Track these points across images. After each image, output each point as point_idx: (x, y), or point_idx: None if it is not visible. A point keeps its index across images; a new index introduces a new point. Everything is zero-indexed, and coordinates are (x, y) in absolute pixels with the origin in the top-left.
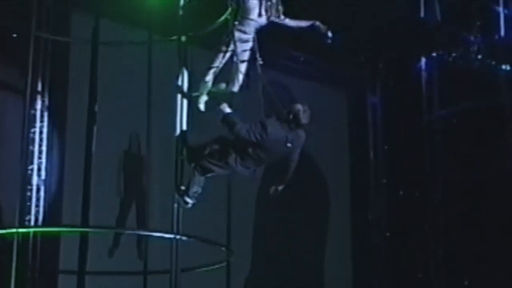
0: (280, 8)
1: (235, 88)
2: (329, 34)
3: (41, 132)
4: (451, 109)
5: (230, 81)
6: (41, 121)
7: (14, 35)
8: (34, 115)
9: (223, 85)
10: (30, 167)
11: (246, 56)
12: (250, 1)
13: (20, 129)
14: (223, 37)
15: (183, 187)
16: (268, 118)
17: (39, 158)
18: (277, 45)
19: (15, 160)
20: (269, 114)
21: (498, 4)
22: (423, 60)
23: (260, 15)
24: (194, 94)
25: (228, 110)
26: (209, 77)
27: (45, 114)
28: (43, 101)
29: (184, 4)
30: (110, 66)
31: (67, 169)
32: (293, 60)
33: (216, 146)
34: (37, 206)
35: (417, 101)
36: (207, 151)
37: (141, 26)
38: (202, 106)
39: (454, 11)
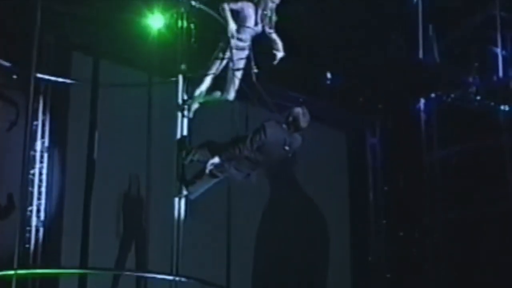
0: (274, 18)
1: (230, 96)
2: (329, 75)
3: (40, 173)
4: (450, 150)
5: (225, 89)
6: (41, 162)
7: (14, 76)
8: (34, 156)
9: (218, 93)
10: (29, 208)
11: (241, 64)
12: (247, 10)
13: (20, 170)
14: (220, 44)
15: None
16: (267, 121)
17: (38, 199)
18: (276, 86)
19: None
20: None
21: (496, 46)
22: (422, 101)
23: (256, 23)
24: (188, 100)
25: (216, 160)
26: (205, 84)
27: (45, 155)
28: (42, 142)
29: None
30: (110, 107)
31: (67, 210)
32: (292, 101)
33: (212, 147)
34: (36, 247)
35: (416, 142)
36: (204, 151)
37: (140, 67)
38: (191, 114)
39: (453, 53)
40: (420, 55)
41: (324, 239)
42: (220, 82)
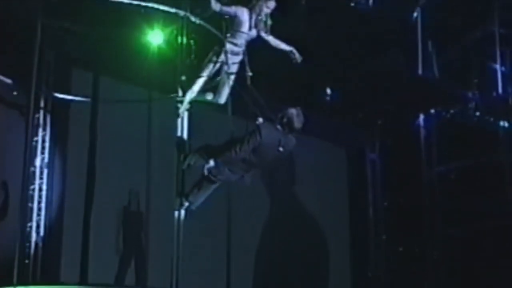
0: (269, 23)
1: (222, 100)
2: (328, 92)
3: (40, 189)
4: (450, 165)
5: (217, 92)
6: (41, 178)
7: (15, 93)
8: (34, 172)
9: (210, 95)
10: (29, 224)
11: (235, 68)
12: (242, 15)
13: (20, 185)
14: (215, 47)
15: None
16: (262, 122)
17: (38, 215)
18: (275, 101)
19: (14, 216)
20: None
21: (495, 62)
22: (422, 116)
23: (251, 28)
24: (179, 99)
25: (212, 164)
26: (197, 86)
27: (45, 171)
28: (42, 158)
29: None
30: (109, 123)
31: (66, 226)
32: None
33: (209, 150)
34: (35, 262)
35: (416, 157)
36: (201, 155)
37: (140, 84)
38: (181, 113)
39: (452, 69)
40: (420, 71)
41: (324, 253)
42: (213, 85)
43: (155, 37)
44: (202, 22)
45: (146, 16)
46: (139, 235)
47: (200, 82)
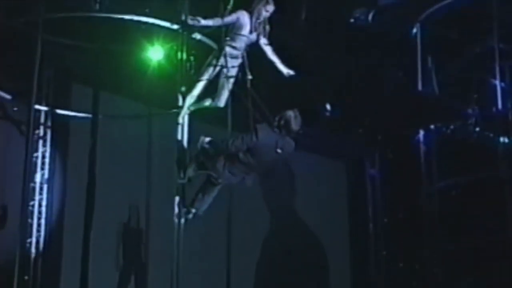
0: (267, 28)
1: (221, 103)
2: (328, 107)
3: (40, 205)
4: (450, 181)
5: (216, 95)
6: (40, 194)
7: (15, 109)
8: (33, 188)
9: (208, 101)
10: (28, 240)
11: (234, 72)
12: (242, 19)
13: (19, 201)
14: (214, 51)
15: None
16: (259, 124)
17: (38, 231)
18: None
19: (14, 232)
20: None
21: (495, 77)
22: (421, 132)
23: (251, 31)
24: (179, 105)
25: (206, 139)
26: (197, 90)
27: (44, 187)
28: (42, 174)
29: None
30: (109, 139)
31: (66, 242)
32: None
33: (207, 151)
34: (35, 279)
35: (416, 173)
36: (197, 155)
37: (140, 99)
38: (180, 120)
39: (452, 84)
40: (419, 86)
41: (324, 270)
42: (211, 89)
43: (155, 53)
44: (202, 38)
45: (146, 32)
46: (139, 251)
47: (200, 86)
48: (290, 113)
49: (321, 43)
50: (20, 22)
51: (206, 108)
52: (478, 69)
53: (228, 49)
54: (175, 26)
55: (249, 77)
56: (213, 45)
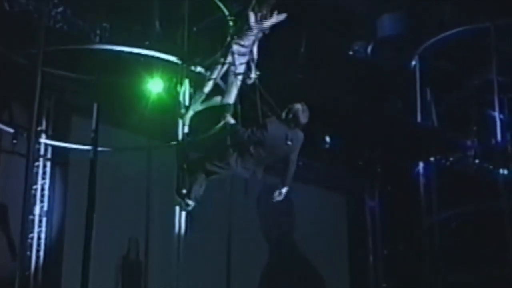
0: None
1: (231, 100)
2: (327, 139)
3: (39, 237)
4: (450, 213)
5: (225, 93)
6: (39, 227)
7: (14, 141)
8: (33, 220)
9: (218, 99)
10: (27, 272)
11: (242, 69)
12: (251, 18)
13: (18, 233)
14: (222, 49)
15: (184, 191)
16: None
17: (36, 263)
18: None
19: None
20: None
21: (494, 110)
22: (421, 164)
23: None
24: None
25: (232, 121)
26: (207, 88)
27: (43, 220)
28: (41, 207)
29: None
30: (109, 171)
31: (65, 275)
32: None
33: (217, 148)
34: None
35: (415, 205)
36: (208, 154)
37: (140, 131)
38: (187, 121)
39: (451, 116)
40: (418, 118)
41: None
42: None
43: (155, 85)
44: (202, 71)
45: (146, 64)
46: (139, 283)
47: (209, 85)
48: (298, 106)
49: (320, 75)
50: (20, 54)
51: (215, 107)
52: (477, 101)
53: (235, 47)
54: (174, 59)
55: (257, 72)
56: (220, 83)
